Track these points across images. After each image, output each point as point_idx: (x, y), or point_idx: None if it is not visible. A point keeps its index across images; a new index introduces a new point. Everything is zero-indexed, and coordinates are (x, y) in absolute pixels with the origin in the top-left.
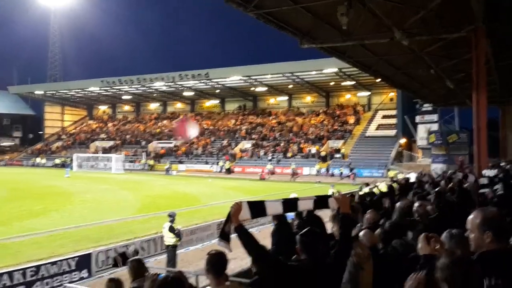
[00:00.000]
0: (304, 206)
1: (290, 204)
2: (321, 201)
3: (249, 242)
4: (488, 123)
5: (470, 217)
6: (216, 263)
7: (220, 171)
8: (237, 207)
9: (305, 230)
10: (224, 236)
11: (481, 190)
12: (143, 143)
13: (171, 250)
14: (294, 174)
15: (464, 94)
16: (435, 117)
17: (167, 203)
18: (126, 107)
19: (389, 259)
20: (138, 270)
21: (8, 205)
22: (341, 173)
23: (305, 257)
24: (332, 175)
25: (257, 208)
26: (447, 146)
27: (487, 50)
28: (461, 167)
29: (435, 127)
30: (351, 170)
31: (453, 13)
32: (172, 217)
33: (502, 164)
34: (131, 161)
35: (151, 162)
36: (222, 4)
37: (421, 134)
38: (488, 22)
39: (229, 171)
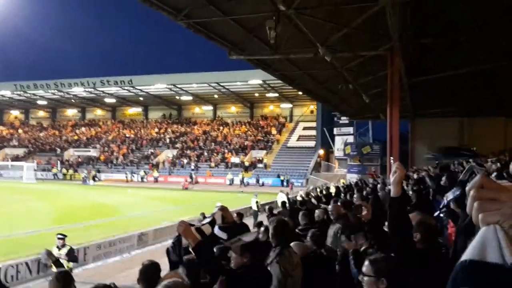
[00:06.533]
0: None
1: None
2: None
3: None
4: (399, 136)
5: None
6: (148, 273)
7: (142, 181)
8: (184, 225)
9: (252, 240)
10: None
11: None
12: (58, 151)
13: None
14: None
15: (378, 108)
16: (351, 129)
17: (84, 214)
18: (41, 113)
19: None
20: (65, 283)
21: None
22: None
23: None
24: (262, 184)
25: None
26: (361, 157)
27: (400, 68)
28: (373, 177)
29: (350, 139)
30: (287, 181)
31: (373, 32)
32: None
33: (410, 174)
34: (43, 170)
35: (66, 171)
36: (150, 11)
37: (338, 145)
38: (402, 42)
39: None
